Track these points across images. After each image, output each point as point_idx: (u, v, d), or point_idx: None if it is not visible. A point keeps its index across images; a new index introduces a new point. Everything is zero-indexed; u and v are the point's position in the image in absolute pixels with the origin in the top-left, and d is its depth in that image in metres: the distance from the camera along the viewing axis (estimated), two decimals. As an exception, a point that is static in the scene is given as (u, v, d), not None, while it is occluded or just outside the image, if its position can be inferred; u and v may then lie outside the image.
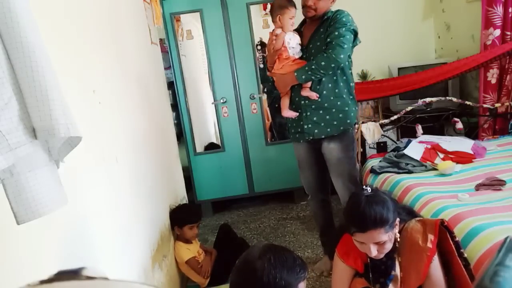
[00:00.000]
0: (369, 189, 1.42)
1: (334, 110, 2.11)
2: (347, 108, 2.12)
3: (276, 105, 3.31)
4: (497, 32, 2.77)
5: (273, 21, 2.13)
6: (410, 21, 3.63)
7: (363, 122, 2.91)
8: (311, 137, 2.17)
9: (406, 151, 2.50)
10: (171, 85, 3.43)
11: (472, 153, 2.44)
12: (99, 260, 1.25)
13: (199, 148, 3.56)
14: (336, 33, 1.99)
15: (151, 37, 2.53)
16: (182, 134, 3.46)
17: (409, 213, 1.57)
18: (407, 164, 2.42)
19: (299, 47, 2.12)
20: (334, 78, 2.09)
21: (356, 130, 2.25)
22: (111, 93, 1.62)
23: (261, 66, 3.45)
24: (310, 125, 2.15)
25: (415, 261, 1.40)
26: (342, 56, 1.97)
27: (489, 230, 1.48)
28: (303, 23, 2.24)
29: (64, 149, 0.79)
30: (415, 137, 2.83)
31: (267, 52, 2.21)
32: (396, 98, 3.20)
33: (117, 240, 1.45)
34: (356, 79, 3.34)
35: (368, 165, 2.71)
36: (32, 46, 0.67)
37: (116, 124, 1.64)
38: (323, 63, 1.98)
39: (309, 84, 2.09)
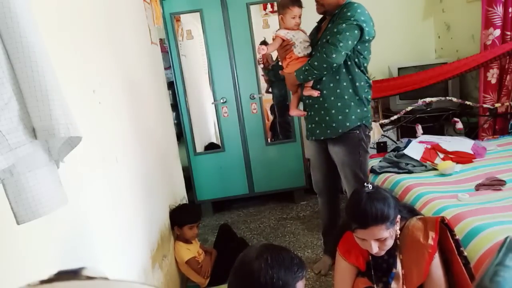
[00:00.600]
0: (370, 186, 1.43)
1: (333, 111, 2.05)
2: (347, 110, 2.03)
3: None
4: (497, 32, 2.77)
5: (279, 22, 2.13)
6: (410, 21, 3.63)
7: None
8: (314, 137, 2.17)
9: (406, 151, 2.50)
10: (171, 85, 3.43)
11: (472, 153, 2.44)
12: (99, 260, 1.25)
13: (199, 148, 3.56)
14: (335, 30, 1.92)
15: (151, 37, 2.52)
16: (182, 134, 3.46)
17: (410, 211, 1.57)
18: (407, 164, 2.42)
19: (305, 44, 2.07)
20: (337, 77, 2.01)
21: (367, 132, 2.13)
22: (111, 93, 1.62)
23: (261, 66, 3.45)
24: (313, 125, 2.15)
25: (417, 258, 1.40)
26: (334, 55, 1.89)
27: (489, 230, 1.48)
28: (323, 18, 2.17)
29: (64, 149, 0.79)
30: (415, 137, 2.83)
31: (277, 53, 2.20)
32: (396, 98, 3.20)
33: (117, 240, 1.45)
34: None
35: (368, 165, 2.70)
36: (32, 46, 0.67)
37: (116, 124, 1.64)
38: (315, 63, 1.95)
39: (310, 83, 2.07)
